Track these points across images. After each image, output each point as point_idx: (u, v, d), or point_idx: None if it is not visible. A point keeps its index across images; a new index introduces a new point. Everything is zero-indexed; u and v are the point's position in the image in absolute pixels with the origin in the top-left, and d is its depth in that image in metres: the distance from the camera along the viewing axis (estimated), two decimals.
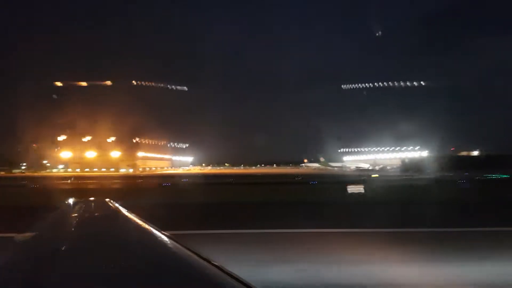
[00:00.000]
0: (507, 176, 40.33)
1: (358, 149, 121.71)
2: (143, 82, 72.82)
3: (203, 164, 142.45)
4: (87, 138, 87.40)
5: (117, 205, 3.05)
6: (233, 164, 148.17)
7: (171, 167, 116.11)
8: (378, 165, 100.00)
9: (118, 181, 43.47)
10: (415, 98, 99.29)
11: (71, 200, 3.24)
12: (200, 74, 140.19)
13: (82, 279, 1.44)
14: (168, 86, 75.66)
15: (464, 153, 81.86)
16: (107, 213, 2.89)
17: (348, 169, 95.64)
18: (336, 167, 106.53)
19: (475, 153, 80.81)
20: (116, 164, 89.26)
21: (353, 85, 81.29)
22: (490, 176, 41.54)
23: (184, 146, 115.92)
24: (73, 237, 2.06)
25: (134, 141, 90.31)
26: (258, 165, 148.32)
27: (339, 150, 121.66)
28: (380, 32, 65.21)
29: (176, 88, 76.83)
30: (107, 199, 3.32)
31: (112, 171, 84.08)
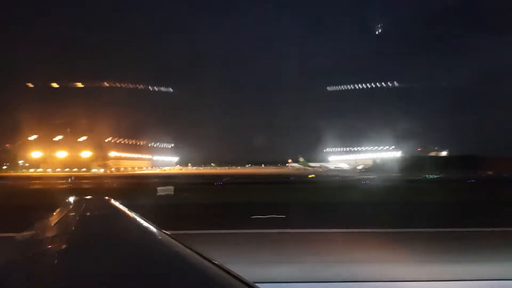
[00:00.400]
0: (437, 176, 40.39)
1: (345, 149, 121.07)
2: (123, 83, 71.66)
3: (189, 164, 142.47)
4: (59, 138, 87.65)
5: (117, 203, 3.00)
6: (220, 164, 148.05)
7: (151, 167, 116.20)
8: (359, 165, 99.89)
9: (77, 181, 43.99)
10: (406, 98, 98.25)
11: (71, 199, 3.19)
12: (193, 73, 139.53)
13: (82, 279, 1.42)
14: (153, 87, 73.97)
15: (433, 154, 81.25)
16: (107, 211, 2.84)
17: (324, 169, 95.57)
18: (315, 167, 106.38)
19: (444, 153, 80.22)
20: (87, 164, 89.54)
21: (344, 85, 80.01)
22: (427, 177, 41.60)
23: (170, 146, 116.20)
24: (73, 236, 2.02)
25: (107, 140, 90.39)
26: (247, 165, 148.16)
27: (324, 150, 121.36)
28: (379, 31, 63.81)
29: (162, 90, 75.26)
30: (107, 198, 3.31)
31: (83, 171, 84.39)
